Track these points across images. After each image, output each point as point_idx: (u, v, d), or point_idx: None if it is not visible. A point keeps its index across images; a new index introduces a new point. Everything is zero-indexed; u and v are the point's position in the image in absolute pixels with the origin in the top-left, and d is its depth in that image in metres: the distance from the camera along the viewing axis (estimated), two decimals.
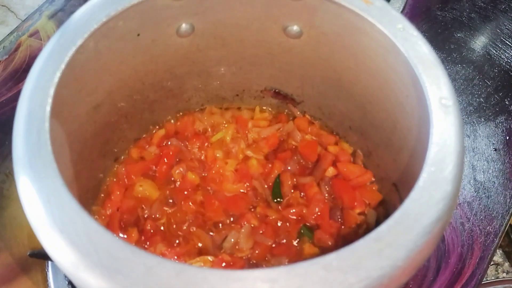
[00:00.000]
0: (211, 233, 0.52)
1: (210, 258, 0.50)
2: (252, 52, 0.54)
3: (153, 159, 0.57)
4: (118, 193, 0.54)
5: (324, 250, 0.52)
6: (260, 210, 0.54)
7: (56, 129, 0.38)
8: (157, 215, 0.53)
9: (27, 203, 0.33)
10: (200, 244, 0.52)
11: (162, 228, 0.53)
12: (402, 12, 0.82)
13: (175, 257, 0.50)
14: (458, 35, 0.80)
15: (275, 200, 0.55)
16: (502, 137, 0.70)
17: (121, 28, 0.43)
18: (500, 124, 0.71)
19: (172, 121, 0.60)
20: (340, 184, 0.55)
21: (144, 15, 0.44)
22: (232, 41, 0.52)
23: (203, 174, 0.56)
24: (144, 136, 0.59)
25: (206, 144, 0.58)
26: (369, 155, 0.56)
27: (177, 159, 0.57)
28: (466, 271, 0.59)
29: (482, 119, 0.71)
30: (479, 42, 0.79)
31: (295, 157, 0.58)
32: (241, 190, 0.55)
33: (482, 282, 0.62)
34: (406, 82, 0.41)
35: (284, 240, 0.52)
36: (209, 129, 0.60)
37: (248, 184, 0.56)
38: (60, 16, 0.77)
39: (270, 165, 0.57)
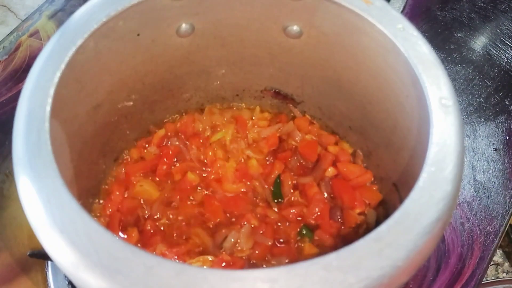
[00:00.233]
0: (211, 233, 0.52)
1: (210, 258, 0.50)
2: (252, 52, 0.54)
3: (153, 159, 0.57)
4: (118, 193, 0.54)
5: (324, 250, 0.52)
6: (260, 210, 0.54)
7: (56, 129, 0.38)
8: (157, 215, 0.53)
9: (27, 203, 0.33)
10: (200, 244, 0.52)
11: (162, 228, 0.53)
12: (402, 12, 0.82)
13: (175, 257, 0.50)
14: (458, 35, 0.80)
15: (275, 200, 0.55)
16: (502, 137, 0.70)
17: (121, 28, 0.43)
18: (500, 124, 0.71)
19: (173, 121, 0.60)
20: (340, 184, 0.55)
21: (144, 15, 0.44)
22: (232, 41, 0.52)
23: (203, 174, 0.56)
24: (144, 136, 0.59)
25: (206, 144, 0.58)
26: (369, 155, 0.56)
27: (177, 159, 0.57)
28: (466, 271, 0.59)
29: (482, 119, 0.71)
30: (479, 42, 0.79)
31: (295, 157, 0.58)
32: (242, 190, 0.55)
33: (482, 282, 0.62)
34: (406, 82, 0.41)
35: (284, 240, 0.52)
36: (209, 129, 0.60)
37: (248, 184, 0.56)
38: (60, 16, 0.77)
39: (270, 165, 0.57)
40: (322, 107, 0.59)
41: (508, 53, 0.78)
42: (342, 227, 0.53)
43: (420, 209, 0.33)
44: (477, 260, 0.60)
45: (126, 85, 0.51)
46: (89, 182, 0.52)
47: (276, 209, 0.54)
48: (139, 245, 0.51)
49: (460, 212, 0.63)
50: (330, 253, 0.30)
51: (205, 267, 0.49)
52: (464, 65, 0.77)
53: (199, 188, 0.56)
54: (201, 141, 0.58)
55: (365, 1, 0.42)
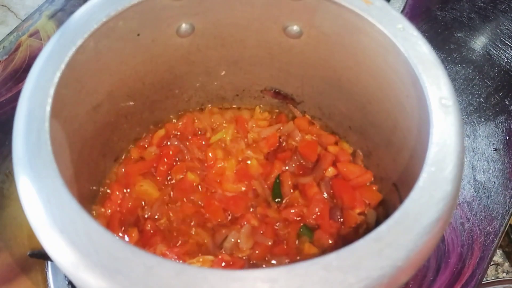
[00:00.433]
0: (211, 233, 0.52)
1: (210, 258, 0.50)
2: (252, 52, 0.54)
3: (153, 159, 0.57)
4: (118, 193, 0.54)
5: (324, 250, 0.52)
6: (260, 210, 0.54)
7: (56, 129, 0.38)
8: (157, 215, 0.53)
9: (27, 203, 0.33)
10: (200, 244, 0.52)
11: (162, 228, 0.53)
12: (402, 12, 0.82)
13: (175, 257, 0.50)
14: (458, 35, 0.80)
15: (275, 200, 0.55)
16: (502, 137, 0.70)
17: (121, 28, 0.43)
18: (500, 124, 0.71)
19: (172, 121, 0.60)
20: (340, 184, 0.55)
21: (144, 15, 0.44)
22: (232, 41, 0.52)
23: (203, 174, 0.56)
24: (144, 136, 0.59)
25: (206, 144, 0.58)
26: (369, 155, 0.56)
27: (177, 159, 0.57)
28: (466, 271, 0.59)
29: (482, 119, 0.71)
30: (479, 42, 0.79)
31: (295, 157, 0.58)
32: (242, 190, 0.55)
33: (482, 282, 0.62)
34: (406, 82, 0.41)
35: (284, 240, 0.52)
36: (209, 129, 0.60)
37: (248, 184, 0.56)
38: (60, 16, 0.77)
39: (270, 165, 0.57)
40: (322, 107, 0.59)
41: (508, 53, 0.78)
42: (342, 227, 0.53)
43: (420, 209, 0.33)
44: (477, 260, 0.60)
45: (126, 85, 0.51)
46: (89, 182, 0.52)
47: (276, 209, 0.54)
48: (139, 245, 0.51)
49: (460, 212, 0.63)
50: (330, 253, 0.30)
51: (205, 267, 0.49)
52: (464, 65, 0.77)
53: (199, 188, 0.56)
54: (201, 141, 0.58)
55: (365, 1, 0.42)
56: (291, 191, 0.55)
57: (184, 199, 0.55)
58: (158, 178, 0.56)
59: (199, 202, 0.54)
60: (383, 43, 0.42)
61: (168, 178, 0.56)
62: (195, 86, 0.58)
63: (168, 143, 0.58)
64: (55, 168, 0.34)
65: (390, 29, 0.41)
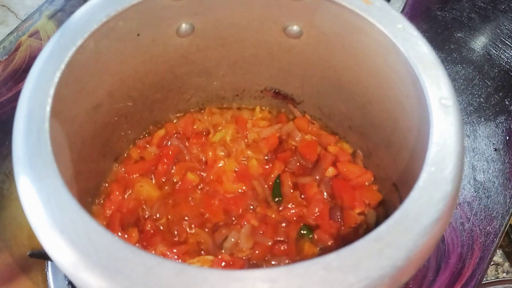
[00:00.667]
0: (211, 233, 0.52)
1: (210, 258, 0.50)
2: (252, 52, 0.54)
3: (153, 159, 0.57)
4: (118, 193, 0.54)
5: (324, 250, 0.52)
6: (260, 210, 0.54)
7: (56, 129, 0.38)
8: (157, 215, 0.53)
9: (27, 203, 0.33)
10: (200, 244, 0.52)
11: (162, 228, 0.53)
12: (402, 12, 0.82)
13: (175, 257, 0.50)
14: (458, 35, 0.80)
15: (275, 200, 0.55)
16: (502, 137, 0.70)
17: (121, 28, 0.43)
18: (500, 124, 0.71)
19: (173, 121, 0.60)
20: (340, 184, 0.55)
21: (144, 15, 0.44)
22: (232, 41, 0.52)
23: (203, 174, 0.56)
24: (144, 136, 0.59)
25: (206, 144, 0.58)
26: (369, 155, 0.56)
27: (177, 159, 0.57)
28: (466, 271, 0.59)
29: (482, 119, 0.71)
30: (479, 42, 0.79)
31: (295, 157, 0.58)
32: (242, 190, 0.55)
33: (482, 282, 0.62)
34: (406, 82, 0.41)
35: (284, 240, 0.52)
36: (209, 129, 0.60)
37: (248, 184, 0.56)
38: (60, 16, 0.77)
39: (270, 165, 0.57)
40: (322, 107, 0.59)
41: (508, 53, 0.78)
42: (342, 227, 0.53)
43: (420, 209, 0.33)
44: (477, 260, 0.60)
45: (126, 85, 0.51)
46: (89, 182, 0.52)
47: (276, 209, 0.54)
48: (139, 245, 0.51)
49: (460, 212, 0.63)
50: (330, 253, 0.30)
51: (205, 267, 0.49)
52: (464, 65, 0.77)
53: (199, 188, 0.56)
54: (201, 141, 0.58)
55: (365, 1, 0.42)
56: (291, 191, 0.55)
57: (184, 199, 0.55)
58: (158, 178, 0.56)
59: (199, 202, 0.54)
60: (383, 43, 0.42)
61: (168, 178, 0.56)
62: (195, 86, 0.58)
63: (168, 143, 0.58)
64: (55, 168, 0.34)
65: (390, 29, 0.41)
